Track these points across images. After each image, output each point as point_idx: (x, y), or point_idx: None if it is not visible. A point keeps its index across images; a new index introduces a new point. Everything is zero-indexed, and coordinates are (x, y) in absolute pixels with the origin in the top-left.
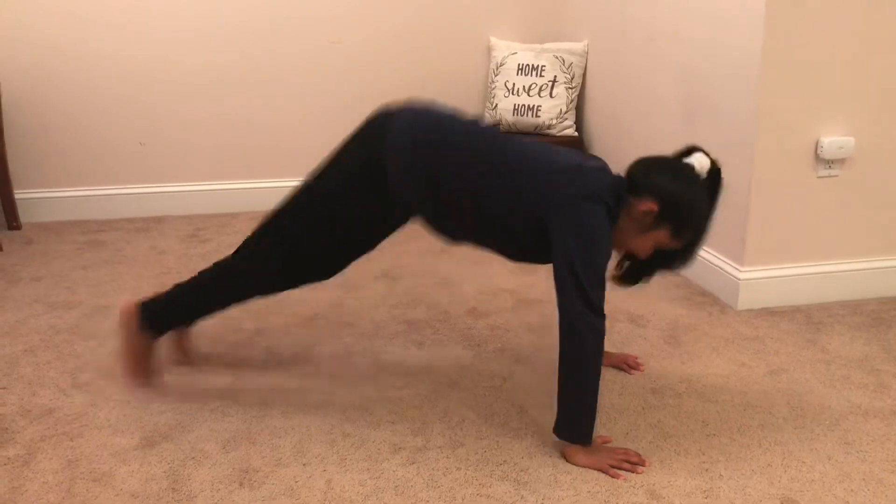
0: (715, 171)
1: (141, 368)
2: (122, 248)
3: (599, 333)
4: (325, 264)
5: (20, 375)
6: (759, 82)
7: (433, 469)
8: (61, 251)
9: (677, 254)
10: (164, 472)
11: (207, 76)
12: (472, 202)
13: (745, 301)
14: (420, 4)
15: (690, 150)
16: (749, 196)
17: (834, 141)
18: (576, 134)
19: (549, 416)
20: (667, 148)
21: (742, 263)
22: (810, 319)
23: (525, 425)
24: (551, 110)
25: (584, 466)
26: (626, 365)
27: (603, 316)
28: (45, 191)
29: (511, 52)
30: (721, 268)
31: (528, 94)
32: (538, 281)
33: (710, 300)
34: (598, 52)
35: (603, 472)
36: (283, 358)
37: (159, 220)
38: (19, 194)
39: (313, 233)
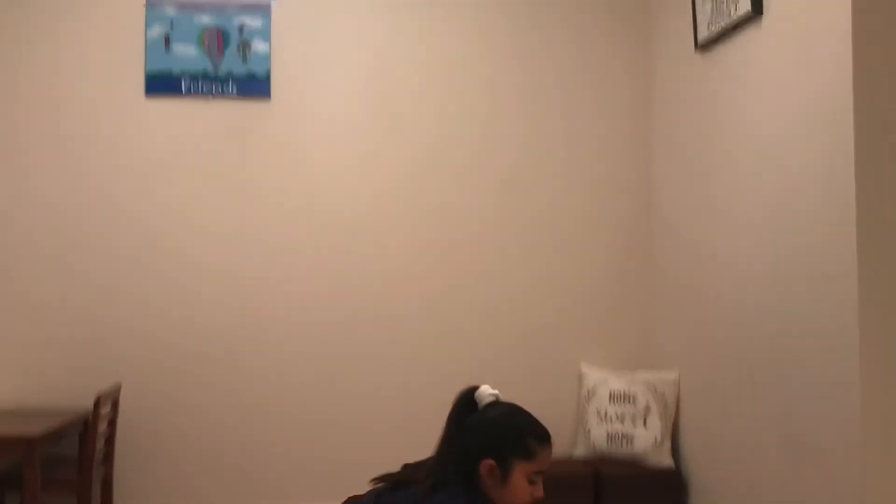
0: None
1: None
2: None
3: None
4: None
5: None
6: (861, 420)
7: None
8: None
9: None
10: None
11: (307, 417)
12: None
13: None
14: (512, 330)
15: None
16: None
17: None
18: (672, 466)
19: None
20: (770, 490)
21: None
22: None
23: None
24: (646, 439)
25: None
26: None
27: None
28: None
29: (602, 379)
30: None
31: (622, 423)
32: None
33: None
34: (690, 383)
35: None
36: None
37: None
38: None
39: None
